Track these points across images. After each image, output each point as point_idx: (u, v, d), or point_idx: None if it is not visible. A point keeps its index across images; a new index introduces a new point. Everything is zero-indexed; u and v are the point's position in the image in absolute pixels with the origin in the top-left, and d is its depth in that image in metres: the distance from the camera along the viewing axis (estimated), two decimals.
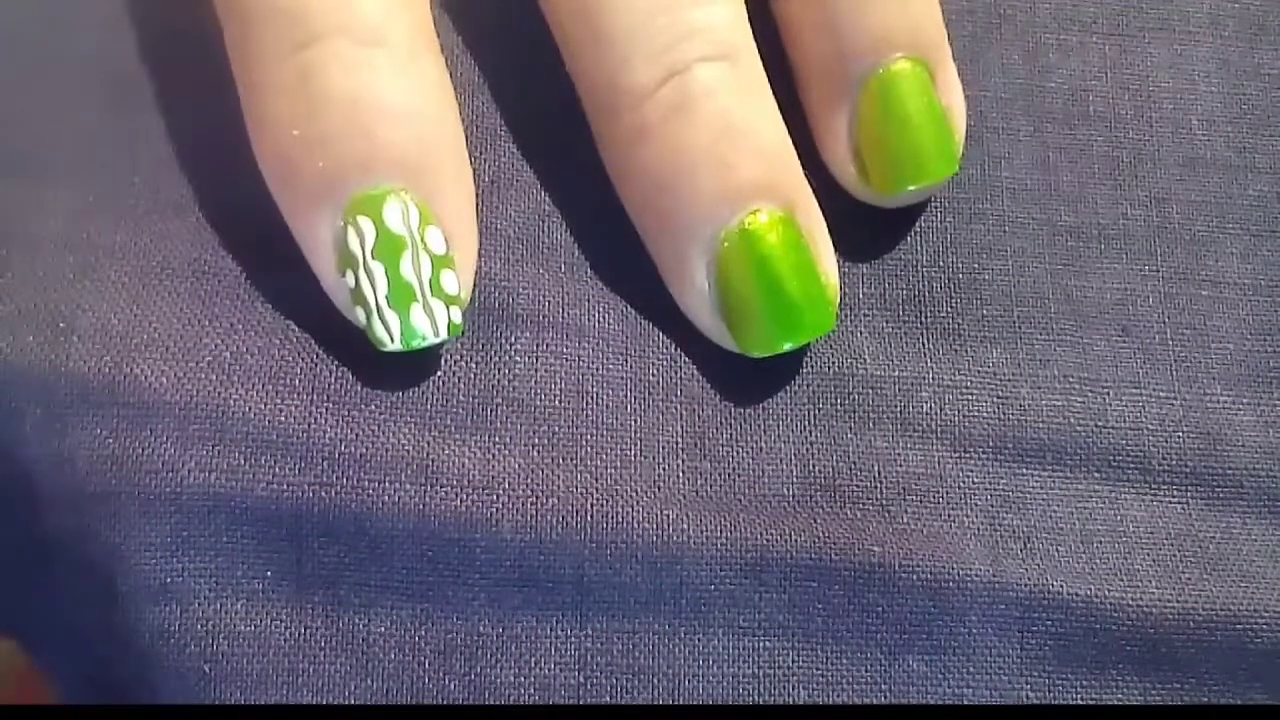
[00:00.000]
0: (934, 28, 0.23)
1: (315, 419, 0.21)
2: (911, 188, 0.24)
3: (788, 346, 0.23)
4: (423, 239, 0.21)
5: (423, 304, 0.21)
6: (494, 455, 0.22)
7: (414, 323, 0.21)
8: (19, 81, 0.23)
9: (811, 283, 0.22)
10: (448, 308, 0.21)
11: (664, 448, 0.23)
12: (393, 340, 0.21)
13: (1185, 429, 0.24)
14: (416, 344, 0.21)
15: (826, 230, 0.23)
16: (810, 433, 0.23)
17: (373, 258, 0.21)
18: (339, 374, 0.22)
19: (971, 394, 0.24)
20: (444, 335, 0.21)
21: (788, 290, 0.22)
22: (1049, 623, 0.22)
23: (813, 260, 0.22)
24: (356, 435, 0.21)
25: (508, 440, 0.22)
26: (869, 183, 0.24)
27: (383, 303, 0.21)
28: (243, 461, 0.21)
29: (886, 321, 0.24)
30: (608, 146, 0.23)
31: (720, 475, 0.23)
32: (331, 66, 0.20)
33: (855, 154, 0.24)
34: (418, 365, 0.22)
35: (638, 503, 0.22)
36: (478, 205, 0.23)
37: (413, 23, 0.21)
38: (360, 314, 0.21)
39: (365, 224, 0.21)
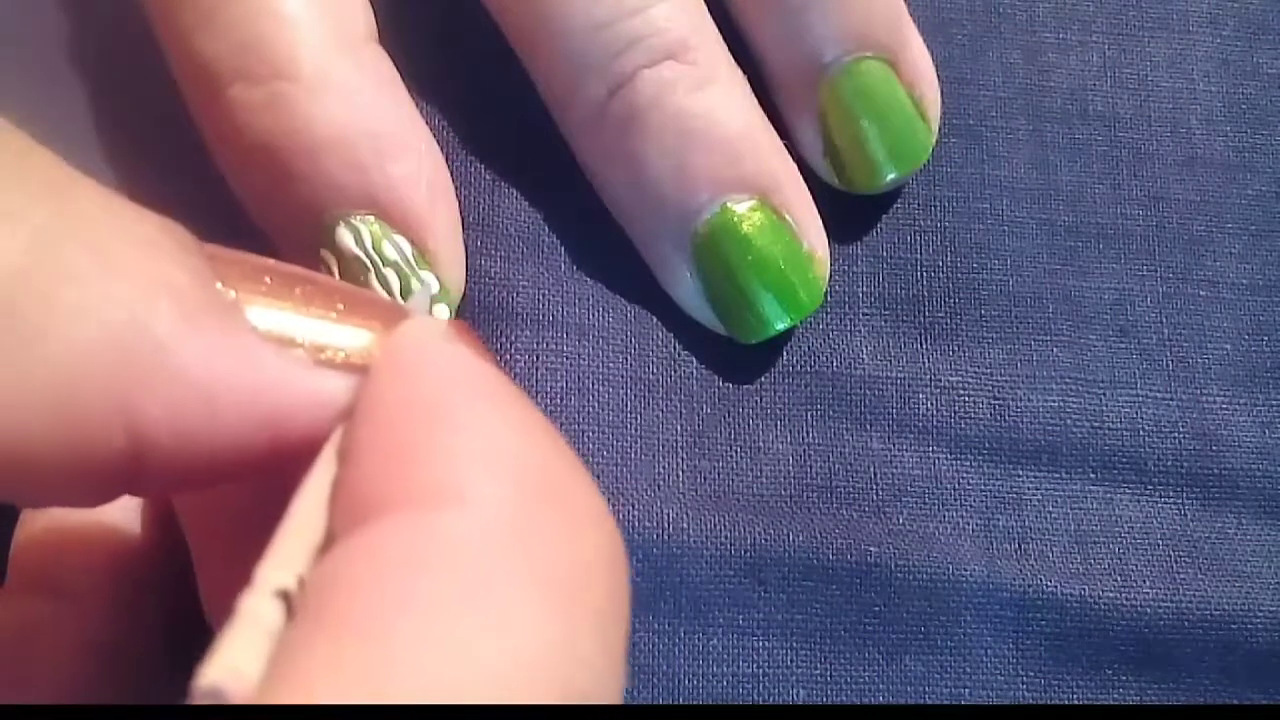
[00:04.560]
0: (887, 20, 0.23)
1: None
2: (888, 178, 0.24)
3: (781, 327, 0.23)
4: (381, 253, 0.21)
5: None
6: None
7: None
8: (22, 80, 0.23)
9: (793, 263, 0.23)
10: (431, 307, 0.21)
11: (663, 446, 0.23)
12: None
13: (1181, 430, 0.24)
14: None
15: (809, 202, 0.23)
16: (808, 433, 0.23)
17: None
18: None
19: (968, 394, 0.24)
20: None
21: (768, 276, 0.22)
22: (1044, 623, 0.23)
23: (792, 239, 0.23)
24: None
25: None
26: (843, 177, 0.24)
27: None
28: None
29: (884, 322, 0.24)
30: (581, 161, 0.23)
31: (719, 474, 0.23)
32: (238, 116, 0.20)
33: (827, 153, 0.24)
34: None
35: (638, 501, 0.22)
36: (475, 202, 0.23)
37: (324, 34, 0.21)
38: None
39: (328, 256, 0.21)
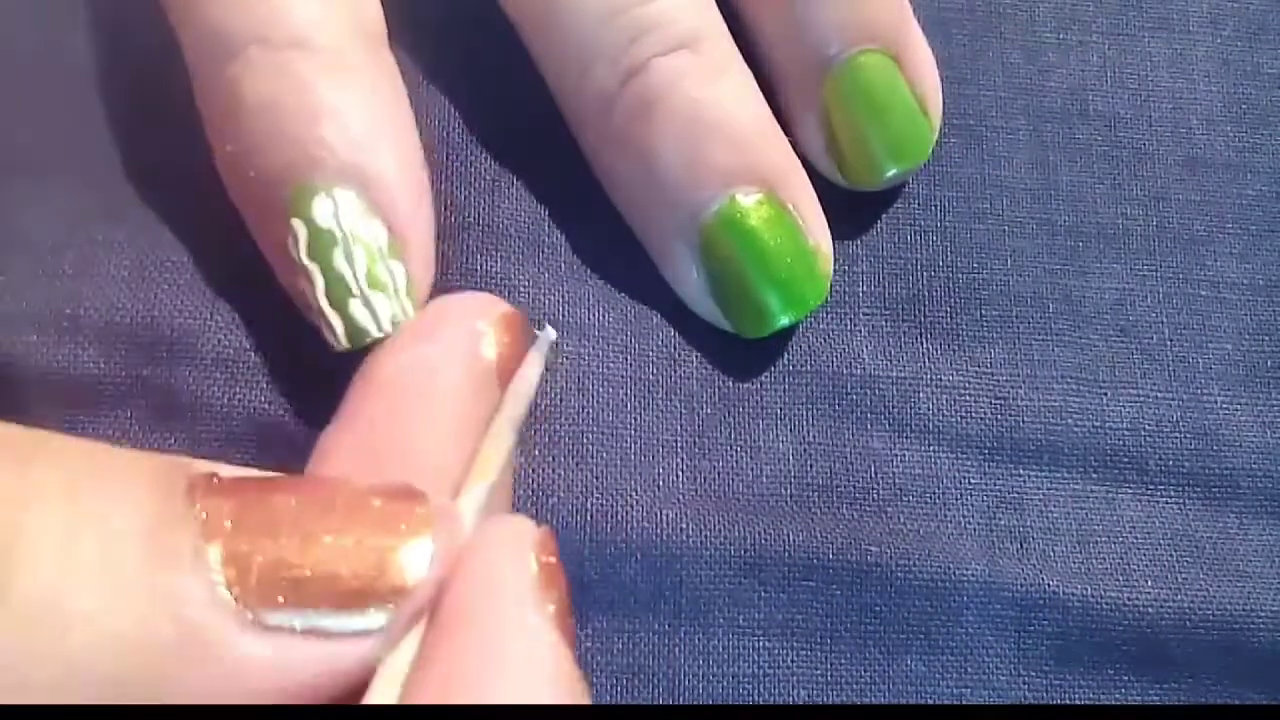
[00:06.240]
0: (893, 15, 0.23)
1: (319, 419, 0.22)
2: (889, 173, 0.24)
3: (784, 322, 0.23)
4: (355, 232, 0.20)
5: (360, 297, 0.20)
6: None
7: (355, 317, 0.20)
8: (20, 81, 0.23)
9: (798, 257, 0.23)
10: (391, 299, 0.21)
11: (663, 447, 0.23)
12: (339, 339, 0.20)
13: (1182, 429, 0.24)
14: (363, 340, 0.20)
15: (814, 197, 0.23)
16: (808, 432, 0.23)
17: (308, 257, 0.20)
18: (343, 372, 0.22)
19: (969, 394, 0.24)
20: (388, 328, 0.20)
21: (774, 270, 0.22)
22: (1046, 622, 0.22)
23: (798, 233, 0.23)
24: None
25: None
26: (846, 173, 0.24)
27: (322, 302, 0.20)
28: (250, 462, 0.21)
29: (885, 321, 0.24)
30: (589, 152, 0.23)
31: (719, 475, 0.23)
32: (249, 76, 0.20)
33: (829, 146, 0.24)
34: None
35: (637, 502, 0.22)
36: (475, 202, 0.23)
37: (343, 23, 0.21)
38: (313, 317, 0.21)
39: (298, 225, 0.20)
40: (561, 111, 0.23)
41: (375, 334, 0.20)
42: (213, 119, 0.21)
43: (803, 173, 0.23)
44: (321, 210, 0.20)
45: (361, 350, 0.21)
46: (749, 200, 0.22)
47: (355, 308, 0.20)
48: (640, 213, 0.23)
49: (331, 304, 0.20)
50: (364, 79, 0.21)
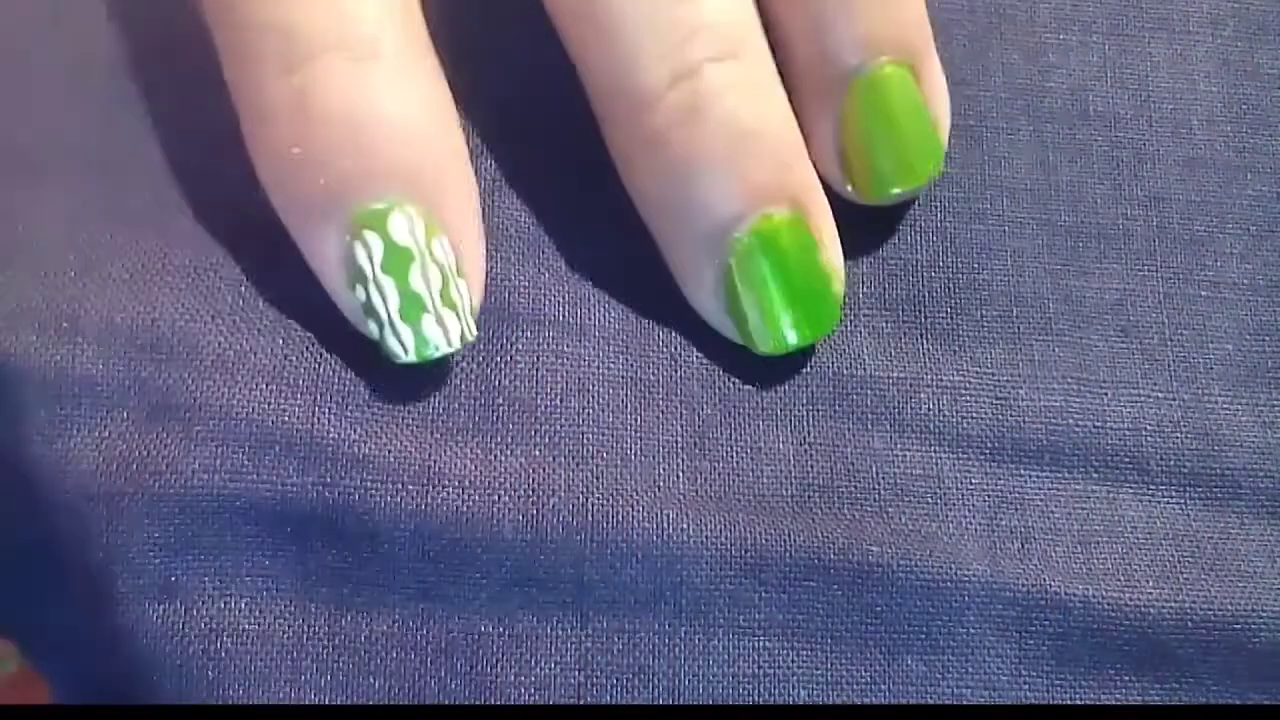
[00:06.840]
0: (918, 29, 0.23)
1: (318, 419, 0.22)
2: (896, 190, 0.24)
3: (796, 342, 0.23)
4: (430, 250, 0.21)
5: (434, 315, 0.21)
6: (495, 455, 0.22)
7: (426, 334, 0.21)
8: (20, 81, 0.23)
9: (820, 282, 0.23)
10: (459, 316, 0.21)
11: (664, 447, 0.23)
12: (406, 352, 0.21)
13: (1183, 429, 0.24)
14: (430, 354, 0.21)
15: (831, 217, 0.23)
16: (809, 433, 0.23)
17: (382, 271, 0.21)
18: (341, 374, 0.22)
19: (970, 394, 0.24)
20: (456, 345, 0.21)
21: (798, 291, 0.22)
22: (1047, 623, 0.22)
23: (822, 259, 0.23)
24: (359, 435, 0.21)
25: (509, 440, 0.22)
26: (855, 184, 0.24)
27: (394, 315, 0.21)
28: (247, 462, 0.21)
29: (885, 322, 0.24)
30: (619, 149, 0.23)
31: (719, 475, 0.23)
32: (328, 84, 0.20)
33: (841, 156, 0.24)
34: (419, 366, 0.22)
35: (638, 502, 0.22)
36: (481, 208, 0.23)
37: (405, 32, 0.21)
38: (373, 327, 0.21)
39: (372, 238, 0.20)
40: (595, 103, 0.23)
41: (445, 349, 0.21)
42: (277, 123, 0.21)
43: (822, 191, 0.23)
44: (399, 226, 0.20)
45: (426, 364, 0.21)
46: (780, 218, 0.22)
47: (428, 324, 0.21)
48: (666, 218, 0.23)
49: (404, 319, 0.21)
50: (429, 91, 0.21)
